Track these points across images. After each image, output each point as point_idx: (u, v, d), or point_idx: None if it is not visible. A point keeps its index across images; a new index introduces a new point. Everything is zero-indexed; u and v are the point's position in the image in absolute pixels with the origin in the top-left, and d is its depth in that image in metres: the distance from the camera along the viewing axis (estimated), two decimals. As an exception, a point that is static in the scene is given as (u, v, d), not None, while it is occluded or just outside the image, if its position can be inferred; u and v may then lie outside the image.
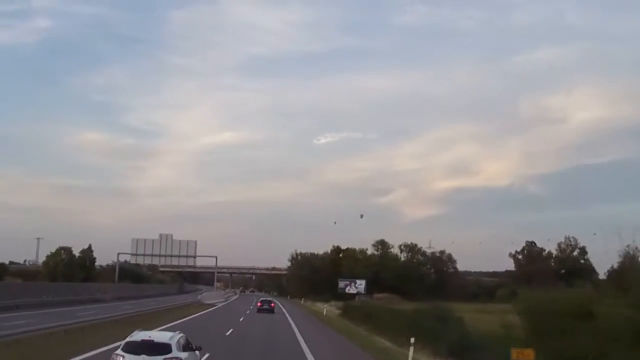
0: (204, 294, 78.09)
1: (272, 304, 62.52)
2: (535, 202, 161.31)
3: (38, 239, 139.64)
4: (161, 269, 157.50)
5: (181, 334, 15.50)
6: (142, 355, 13.71)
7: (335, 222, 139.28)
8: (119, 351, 14.06)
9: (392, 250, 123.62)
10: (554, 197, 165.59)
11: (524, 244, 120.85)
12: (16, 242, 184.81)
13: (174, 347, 14.22)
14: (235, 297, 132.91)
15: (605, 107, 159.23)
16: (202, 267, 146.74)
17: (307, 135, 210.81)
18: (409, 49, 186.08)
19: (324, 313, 63.30)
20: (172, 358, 13.89)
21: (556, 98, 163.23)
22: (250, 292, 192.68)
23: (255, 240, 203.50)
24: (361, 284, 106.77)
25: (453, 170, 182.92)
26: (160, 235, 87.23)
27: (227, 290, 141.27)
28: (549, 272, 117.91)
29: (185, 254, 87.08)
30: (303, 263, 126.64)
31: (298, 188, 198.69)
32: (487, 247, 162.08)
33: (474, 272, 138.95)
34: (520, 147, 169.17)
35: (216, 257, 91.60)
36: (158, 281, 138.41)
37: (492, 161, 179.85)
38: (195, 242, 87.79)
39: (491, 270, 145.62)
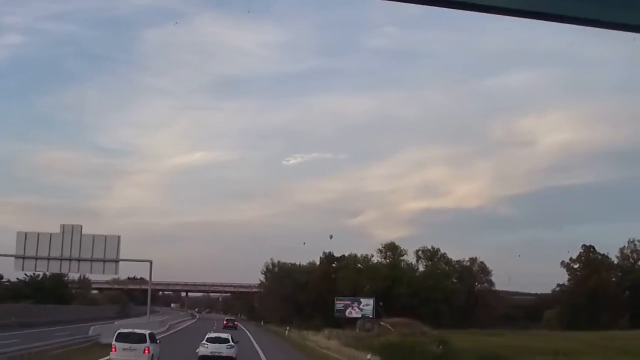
0: (105, 326, 45.34)
1: (235, 323, 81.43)
2: (507, 223, 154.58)
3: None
4: (104, 285, 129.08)
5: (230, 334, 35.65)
6: (216, 344, 32.85)
7: (304, 243, 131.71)
8: (204, 342, 33.13)
9: (405, 257, 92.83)
10: (525, 217, 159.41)
11: (581, 250, 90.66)
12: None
13: (230, 340, 33.63)
14: (191, 321, 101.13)
15: (576, 130, 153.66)
16: (155, 283, 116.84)
17: (278, 156, 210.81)
18: (381, 70, 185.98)
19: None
20: (231, 345, 33.22)
21: (527, 120, 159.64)
22: (207, 312, 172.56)
23: (224, 262, 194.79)
24: (368, 305, 76.88)
25: (424, 192, 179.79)
26: (63, 226, 54.38)
27: (175, 315, 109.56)
28: (611, 286, 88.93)
29: (101, 256, 54.47)
30: (283, 277, 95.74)
31: (268, 209, 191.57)
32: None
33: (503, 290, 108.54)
34: (491, 169, 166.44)
35: (151, 262, 59.09)
36: (89, 301, 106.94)
37: (463, 182, 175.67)
38: (119, 237, 54.80)
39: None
